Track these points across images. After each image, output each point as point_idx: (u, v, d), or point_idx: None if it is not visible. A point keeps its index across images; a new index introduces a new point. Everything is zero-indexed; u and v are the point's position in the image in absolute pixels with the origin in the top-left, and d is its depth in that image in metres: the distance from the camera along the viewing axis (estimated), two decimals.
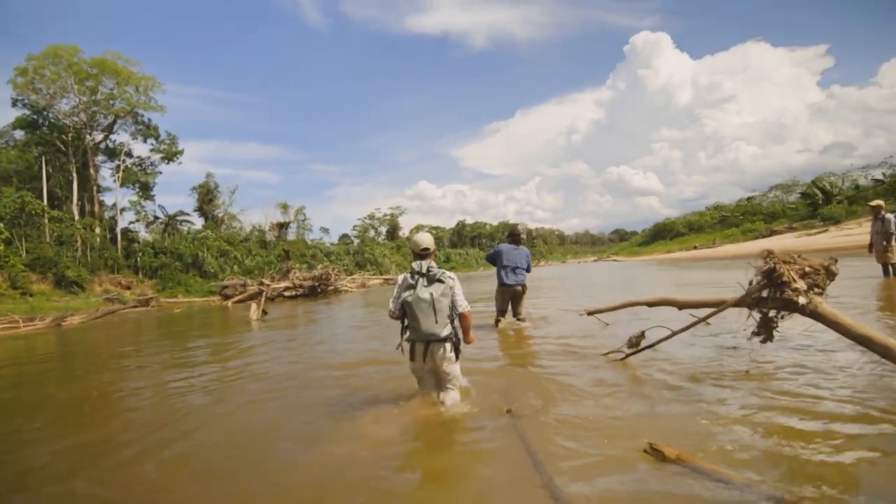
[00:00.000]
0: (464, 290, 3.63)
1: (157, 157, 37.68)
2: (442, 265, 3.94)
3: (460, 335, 3.56)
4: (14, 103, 31.35)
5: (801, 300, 3.23)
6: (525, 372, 4.73)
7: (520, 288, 7.29)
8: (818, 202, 43.16)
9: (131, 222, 39.33)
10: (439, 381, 3.59)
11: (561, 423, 3.19)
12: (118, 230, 33.99)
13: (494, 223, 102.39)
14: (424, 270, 3.39)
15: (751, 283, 3.63)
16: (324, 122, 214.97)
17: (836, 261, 3.41)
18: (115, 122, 34.29)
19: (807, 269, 3.34)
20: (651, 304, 5.39)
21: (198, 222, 45.20)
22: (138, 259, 32.76)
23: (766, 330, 3.68)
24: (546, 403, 3.62)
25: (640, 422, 3.13)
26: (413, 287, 3.36)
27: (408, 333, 3.50)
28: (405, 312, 3.44)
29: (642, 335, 4.63)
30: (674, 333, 4.31)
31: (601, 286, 16.72)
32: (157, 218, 41.66)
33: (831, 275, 3.37)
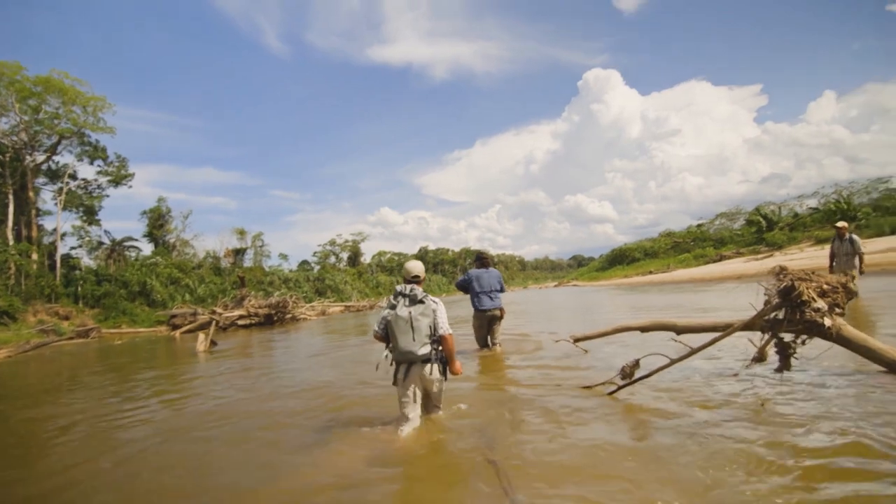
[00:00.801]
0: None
1: (104, 179, 35.81)
2: None
3: (444, 356, 3.55)
4: None
5: (826, 322, 2.95)
6: (506, 408, 4.18)
7: (498, 312, 6.98)
8: (762, 228, 45.64)
9: (73, 248, 37.01)
10: (426, 403, 3.66)
11: (554, 480, 2.72)
12: (58, 256, 31.82)
13: (457, 249, 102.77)
14: (407, 291, 3.51)
15: (766, 303, 3.32)
16: (285, 149, 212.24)
17: (854, 277, 3.24)
18: (59, 142, 32.45)
19: (825, 286, 3.09)
20: (645, 329, 4.92)
21: (147, 248, 43.10)
22: (79, 287, 30.70)
23: (782, 357, 3.35)
24: (534, 450, 3.15)
25: (647, 474, 2.67)
26: (394, 307, 3.46)
27: (390, 354, 3.54)
28: (387, 333, 3.50)
29: (636, 364, 4.13)
30: (673, 362, 3.86)
31: (567, 310, 16.69)
32: (101, 244, 39.37)
33: (850, 293, 3.18)
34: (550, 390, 4.60)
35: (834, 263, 9.58)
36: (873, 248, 23.49)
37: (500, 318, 7.06)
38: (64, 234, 34.73)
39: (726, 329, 3.71)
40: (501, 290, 7.08)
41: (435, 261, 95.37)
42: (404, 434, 3.44)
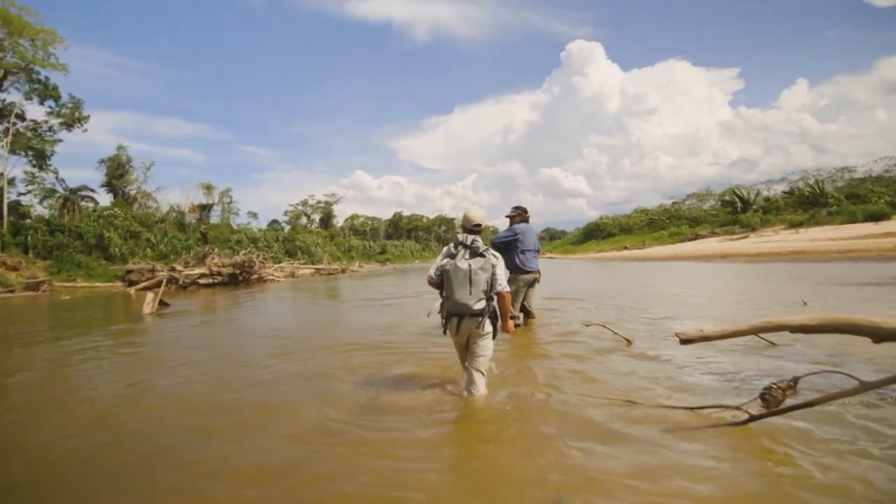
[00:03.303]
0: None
1: (56, 122, 33.08)
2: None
3: (497, 312, 3.43)
4: None
5: None
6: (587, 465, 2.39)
7: (537, 275, 6.14)
8: (737, 209, 46.15)
9: (21, 194, 34.47)
10: (469, 357, 3.48)
11: None
12: (4, 202, 29.56)
13: (431, 216, 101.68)
14: (469, 242, 3.37)
15: None
16: (256, 103, 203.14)
17: None
18: (4, 77, 29.69)
19: None
20: (810, 330, 2.97)
21: (105, 199, 40.70)
22: (29, 237, 28.72)
23: None
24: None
25: None
26: (453, 256, 3.35)
27: (444, 304, 3.42)
28: (443, 282, 3.38)
29: (793, 386, 2.79)
30: (867, 387, 2.45)
31: (568, 285, 16.13)
32: (54, 192, 36.87)
33: None
34: (621, 408, 3.10)
35: None
36: (848, 233, 23.80)
37: (538, 280, 6.24)
38: (13, 179, 32.34)
39: None
40: (538, 251, 6.24)
41: (409, 227, 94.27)
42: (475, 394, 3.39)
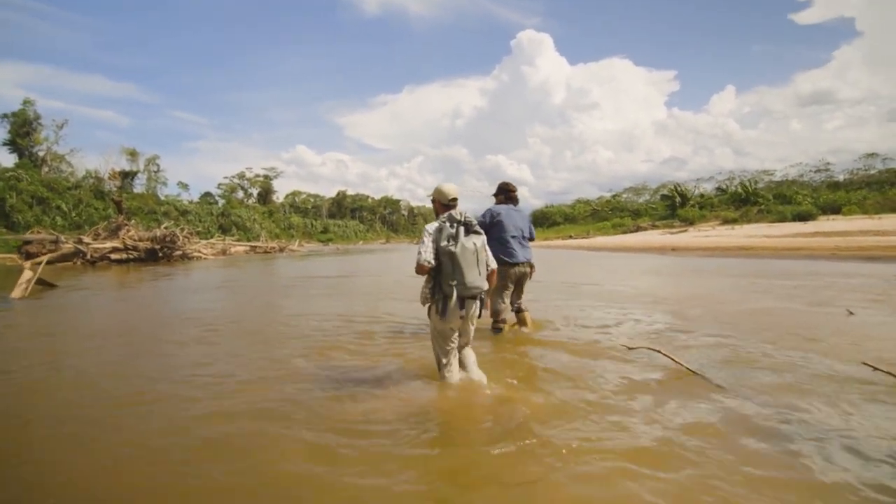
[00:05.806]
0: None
1: None
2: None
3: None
4: None
5: None
6: None
7: (528, 268, 5.00)
8: (676, 204, 47.99)
9: None
10: (464, 336, 3.27)
11: None
12: None
13: (377, 197, 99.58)
14: (463, 219, 3.07)
15: None
16: (191, 65, 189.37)
17: None
18: None
19: None
20: None
21: (8, 160, 36.27)
22: None
23: None
24: None
25: None
26: (454, 237, 2.99)
27: (442, 288, 2.99)
28: (441, 265, 3.00)
29: None
30: None
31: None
32: None
33: None
34: None
35: None
36: (782, 231, 24.83)
37: (530, 275, 5.11)
38: None
39: None
40: (532, 238, 5.19)
41: (353, 206, 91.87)
42: (456, 380, 3.15)
